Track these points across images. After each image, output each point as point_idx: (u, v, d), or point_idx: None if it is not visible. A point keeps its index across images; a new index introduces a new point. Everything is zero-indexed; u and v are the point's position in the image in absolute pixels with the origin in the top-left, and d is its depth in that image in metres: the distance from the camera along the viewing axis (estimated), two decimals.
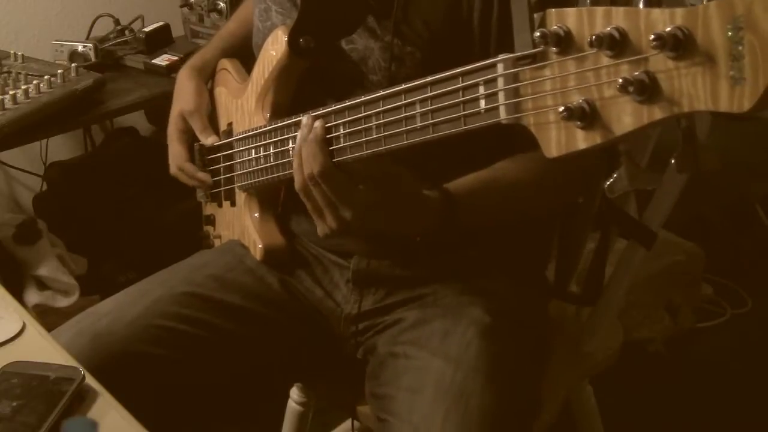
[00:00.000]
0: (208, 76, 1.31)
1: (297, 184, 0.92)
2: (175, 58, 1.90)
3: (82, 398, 0.77)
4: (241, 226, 1.20)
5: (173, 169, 1.28)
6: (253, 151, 1.09)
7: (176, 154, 1.27)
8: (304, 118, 0.91)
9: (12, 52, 1.80)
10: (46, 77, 1.64)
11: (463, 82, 0.73)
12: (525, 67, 0.66)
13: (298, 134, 0.92)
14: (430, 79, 0.77)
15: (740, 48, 0.51)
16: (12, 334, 0.85)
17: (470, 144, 0.91)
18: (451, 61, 0.75)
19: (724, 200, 2.52)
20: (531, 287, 1.16)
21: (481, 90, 0.71)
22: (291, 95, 1.08)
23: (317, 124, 0.89)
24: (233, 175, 1.18)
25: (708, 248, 2.16)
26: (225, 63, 1.29)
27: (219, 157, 1.22)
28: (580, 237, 1.25)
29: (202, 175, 1.25)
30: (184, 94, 1.27)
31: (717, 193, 2.47)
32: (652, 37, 0.55)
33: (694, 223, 2.36)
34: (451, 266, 1.09)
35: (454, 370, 0.96)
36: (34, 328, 0.87)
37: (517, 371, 1.02)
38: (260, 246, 1.14)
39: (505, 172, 1.00)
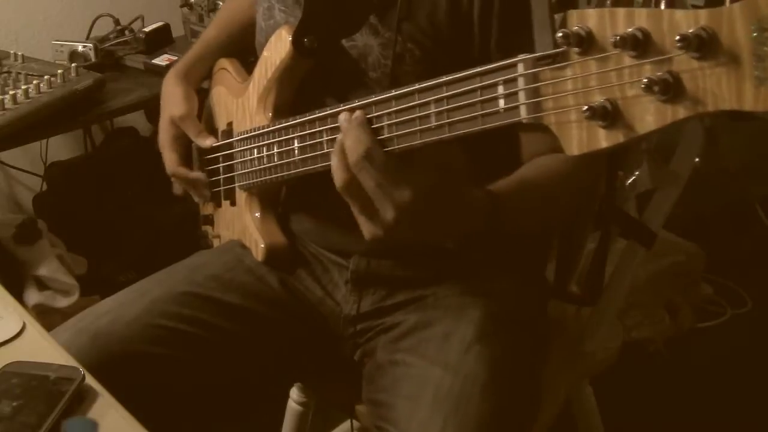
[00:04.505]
0: (195, 81, 1.30)
1: (339, 182, 0.83)
2: (175, 58, 1.89)
3: (82, 398, 0.76)
4: (242, 225, 1.19)
5: (169, 174, 1.29)
6: (255, 150, 1.09)
7: (168, 161, 1.27)
8: (342, 115, 0.85)
9: (12, 52, 1.80)
10: (46, 77, 1.64)
11: (481, 82, 0.73)
12: (546, 68, 0.67)
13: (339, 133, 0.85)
14: (445, 79, 0.77)
15: (765, 48, 0.52)
16: (12, 334, 0.85)
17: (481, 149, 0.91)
18: (451, 58, 0.75)
19: (724, 200, 2.52)
20: (531, 287, 1.16)
21: (500, 90, 0.71)
22: (293, 95, 1.08)
23: (357, 112, 0.84)
24: (234, 175, 1.18)
25: (708, 248, 2.16)
26: (224, 63, 1.29)
27: (218, 156, 1.22)
28: (580, 237, 1.25)
29: (195, 174, 1.25)
30: (173, 100, 1.27)
31: (717, 193, 2.47)
32: (678, 37, 0.55)
33: (694, 223, 2.36)
34: (452, 267, 1.09)
35: (452, 377, 0.96)
36: (34, 328, 0.87)
37: (516, 375, 1.02)
38: (262, 245, 1.14)
39: (541, 171, 0.98)
